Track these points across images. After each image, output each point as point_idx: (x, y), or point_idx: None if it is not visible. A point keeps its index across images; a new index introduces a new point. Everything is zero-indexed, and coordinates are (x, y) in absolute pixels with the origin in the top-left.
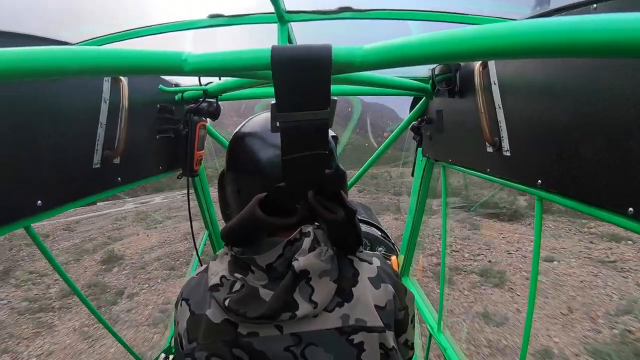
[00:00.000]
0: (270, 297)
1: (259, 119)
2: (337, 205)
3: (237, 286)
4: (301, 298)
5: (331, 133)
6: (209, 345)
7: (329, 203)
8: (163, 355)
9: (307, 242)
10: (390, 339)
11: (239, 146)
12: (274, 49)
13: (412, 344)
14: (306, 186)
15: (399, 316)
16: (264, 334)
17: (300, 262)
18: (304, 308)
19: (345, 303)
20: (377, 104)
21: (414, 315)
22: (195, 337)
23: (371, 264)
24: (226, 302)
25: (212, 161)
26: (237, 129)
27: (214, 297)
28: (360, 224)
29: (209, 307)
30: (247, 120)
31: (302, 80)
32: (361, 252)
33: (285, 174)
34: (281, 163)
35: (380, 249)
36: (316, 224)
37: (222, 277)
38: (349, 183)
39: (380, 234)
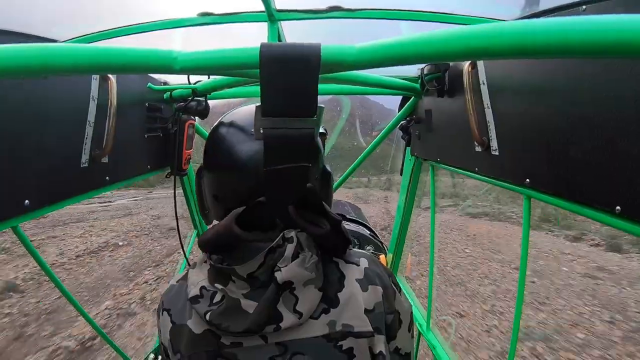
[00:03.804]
0: (253, 311)
1: (241, 113)
2: (322, 217)
3: (218, 297)
4: (285, 308)
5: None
6: (192, 356)
7: (313, 215)
8: (152, 355)
9: (290, 249)
10: (379, 343)
11: (219, 140)
12: (263, 46)
13: (408, 354)
14: (287, 200)
15: (388, 320)
16: (248, 344)
17: (283, 272)
18: (288, 319)
19: (331, 309)
20: (364, 98)
21: (410, 324)
22: (179, 349)
23: (359, 265)
24: (207, 316)
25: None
26: (216, 123)
27: (195, 309)
28: (349, 223)
29: (190, 318)
30: (226, 113)
31: (290, 79)
32: (349, 250)
33: (266, 186)
34: (264, 173)
35: (368, 247)
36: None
37: (202, 287)
38: (336, 184)
39: (368, 232)
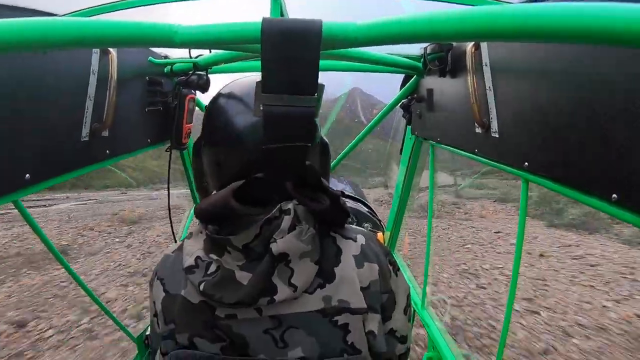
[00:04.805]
0: (247, 282)
1: (240, 84)
2: (321, 193)
3: (213, 268)
4: (280, 281)
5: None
6: (188, 325)
7: (311, 192)
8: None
9: (286, 220)
10: (372, 322)
11: (218, 111)
12: (264, 20)
13: (404, 337)
14: (285, 177)
15: (383, 299)
16: (242, 316)
17: (278, 244)
18: (283, 292)
19: (326, 284)
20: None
21: (407, 307)
22: (172, 318)
23: (355, 241)
24: (201, 287)
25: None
26: (215, 94)
27: (189, 279)
28: (347, 200)
29: (185, 287)
30: (228, 83)
31: (291, 54)
32: (347, 226)
33: (265, 163)
34: (262, 151)
35: (366, 224)
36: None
37: (197, 257)
38: (335, 161)
39: (366, 209)
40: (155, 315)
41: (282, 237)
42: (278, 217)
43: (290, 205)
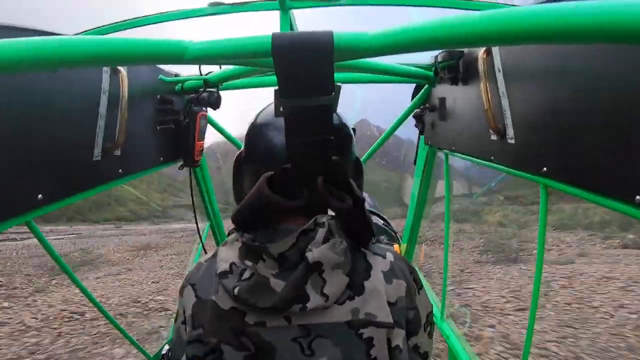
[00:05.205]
0: (282, 288)
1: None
2: (345, 194)
3: (247, 274)
4: (312, 290)
5: (351, 125)
6: (217, 331)
7: (337, 191)
8: (167, 346)
9: (321, 232)
10: (398, 337)
11: (255, 135)
12: (274, 35)
13: (426, 353)
14: (313, 171)
15: (409, 315)
16: (272, 324)
17: (314, 253)
18: (314, 300)
19: (356, 297)
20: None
21: (429, 324)
22: (201, 323)
23: (385, 258)
24: (235, 291)
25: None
26: (253, 118)
27: (222, 284)
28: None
29: (216, 293)
30: (264, 107)
31: (304, 67)
32: (375, 244)
33: (291, 157)
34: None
35: (382, 237)
36: (331, 213)
37: (232, 263)
38: None
39: (382, 222)
40: (184, 322)
41: (317, 248)
42: (313, 229)
43: (324, 219)
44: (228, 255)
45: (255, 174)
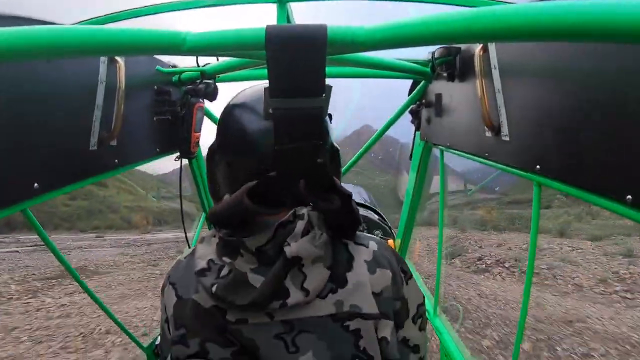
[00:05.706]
0: (260, 284)
1: (252, 90)
2: (332, 193)
3: (225, 271)
4: (292, 285)
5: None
6: (200, 330)
7: (322, 192)
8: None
9: (300, 225)
10: (385, 328)
11: (230, 120)
12: (268, 27)
13: (417, 346)
14: (298, 176)
15: (395, 306)
16: (254, 320)
17: (292, 247)
18: (295, 296)
19: (339, 289)
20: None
21: (420, 316)
22: (184, 323)
23: (367, 247)
24: (213, 289)
25: None
26: (229, 101)
27: (201, 282)
28: (358, 207)
29: (197, 292)
30: (239, 92)
31: (297, 60)
32: (359, 232)
33: (277, 164)
34: (272, 153)
35: (377, 232)
36: (311, 204)
37: (210, 260)
38: (345, 167)
39: (377, 217)
40: (167, 321)
41: (295, 241)
42: (292, 221)
43: (304, 211)
44: (206, 252)
45: (230, 166)
